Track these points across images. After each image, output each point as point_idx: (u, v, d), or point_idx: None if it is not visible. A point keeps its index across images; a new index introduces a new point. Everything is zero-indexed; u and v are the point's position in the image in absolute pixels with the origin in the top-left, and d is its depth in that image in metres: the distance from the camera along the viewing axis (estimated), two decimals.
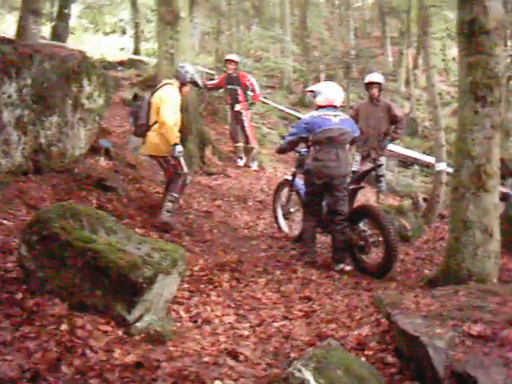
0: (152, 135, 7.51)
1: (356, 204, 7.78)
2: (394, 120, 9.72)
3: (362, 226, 7.31)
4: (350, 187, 7.47)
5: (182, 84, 7.72)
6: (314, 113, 7.30)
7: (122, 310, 3.99)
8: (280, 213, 8.68)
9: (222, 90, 13.54)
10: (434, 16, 21.77)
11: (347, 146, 7.36)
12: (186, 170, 7.66)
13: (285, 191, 8.58)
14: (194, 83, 7.85)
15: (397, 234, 7.12)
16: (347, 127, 7.22)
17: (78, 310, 3.92)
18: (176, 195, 7.57)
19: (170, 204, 7.52)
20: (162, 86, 7.71)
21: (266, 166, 13.05)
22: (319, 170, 7.13)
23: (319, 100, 7.32)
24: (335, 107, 7.29)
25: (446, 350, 3.57)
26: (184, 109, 8.75)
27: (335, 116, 7.19)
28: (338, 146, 7.12)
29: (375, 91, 9.72)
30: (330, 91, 7.33)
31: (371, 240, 7.18)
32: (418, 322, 4.05)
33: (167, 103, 7.41)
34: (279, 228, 8.64)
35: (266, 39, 19.32)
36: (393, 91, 24.50)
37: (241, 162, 12.61)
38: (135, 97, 8.09)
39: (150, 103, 7.58)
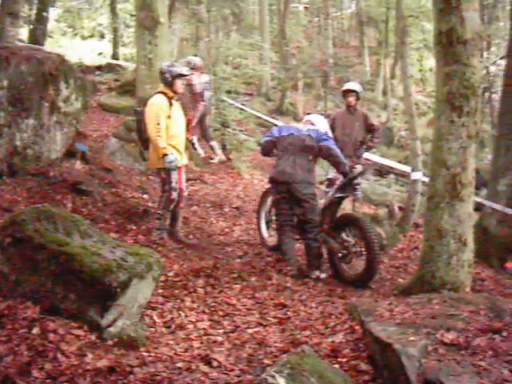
0: (150, 147, 7.43)
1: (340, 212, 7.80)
2: (370, 129, 9.75)
3: (344, 235, 7.34)
4: (336, 195, 7.53)
5: (169, 85, 7.31)
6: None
7: (95, 315, 3.97)
8: (263, 219, 8.65)
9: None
10: (412, 26, 21.96)
11: (310, 155, 7.38)
12: (174, 184, 7.33)
13: (268, 200, 8.54)
14: (179, 76, 7.31)
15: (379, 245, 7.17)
16: (311, 134, 7.38)
17: (50, 313, 3.88)
18: (161, 212, 7.42)
19: (157, 222, 7.46)
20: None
21: (242, 172, 13.05)
22: (277, 176, 7.31)
23: None
24: (312, 124, 7.66)
25: (419, 357, 3.59)
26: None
27: (304, 126, 7.55)
28: (297, 153, 7.26)
29: (352, 99, 9.71)
30: (309, 116, 8.10)
31: (353, 250, 7.21)
32: (391, 329, 4.07)
33: (147, 115, 7.19)
34: (260, 233, 8.60)
35: (244, 46, 19.31)
36: (370, 100, 24.67)
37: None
38: (136, 111, 7.88)
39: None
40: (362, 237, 6.99)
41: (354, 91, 9.70)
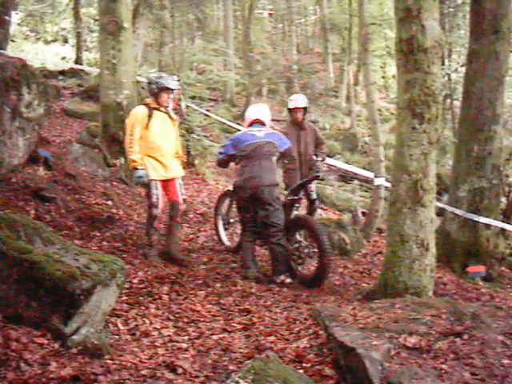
0: None
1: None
2: (318, 143, 9.33)
3: (298, 236, 7.47)
4: (288, 198, 7.71)
5: (154, 96, 7.28)
6: (242, 130, 7.80)
7: (58, 323, 3.93)
8: (221, 224, 8.68)
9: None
10: (375, 34, 22.20)
11: (273, 158, 7.49)
12: (154, 200, 7.20)
13: (226, 202, 8.61)
14: (165, 89, 7.25)
15: (332, 245, 7.28)
16: (272, 139, 7.43)
17: (12, 322, 3.83)
18: (147, 229, 7.41)
19: (146, 237, 7.44)
20: None
21: (207, 178, 13.05)
22: (245, 183, 7.33)
23: (245, 123, 7.81)
24: (262, 123, 7.55)
25: (382, 361, 3.63)
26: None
27: (259, 131, 7.45)
28: (261, 157, 7.31)
29: (300, 115, 8.98)
30: (250, 111, 7.77)
31: (306, 251, 7.32)
32: (355, 334, 4.11)
33: (126, 127, 7.28)
34: (220, 240, 8.62)
35: (209, 52, 19.36)
36: (334, 107, 24.86)
37: None
38: None
39: None
40: (313, 236, 7.13)
41: (303, 108, 9.04)
